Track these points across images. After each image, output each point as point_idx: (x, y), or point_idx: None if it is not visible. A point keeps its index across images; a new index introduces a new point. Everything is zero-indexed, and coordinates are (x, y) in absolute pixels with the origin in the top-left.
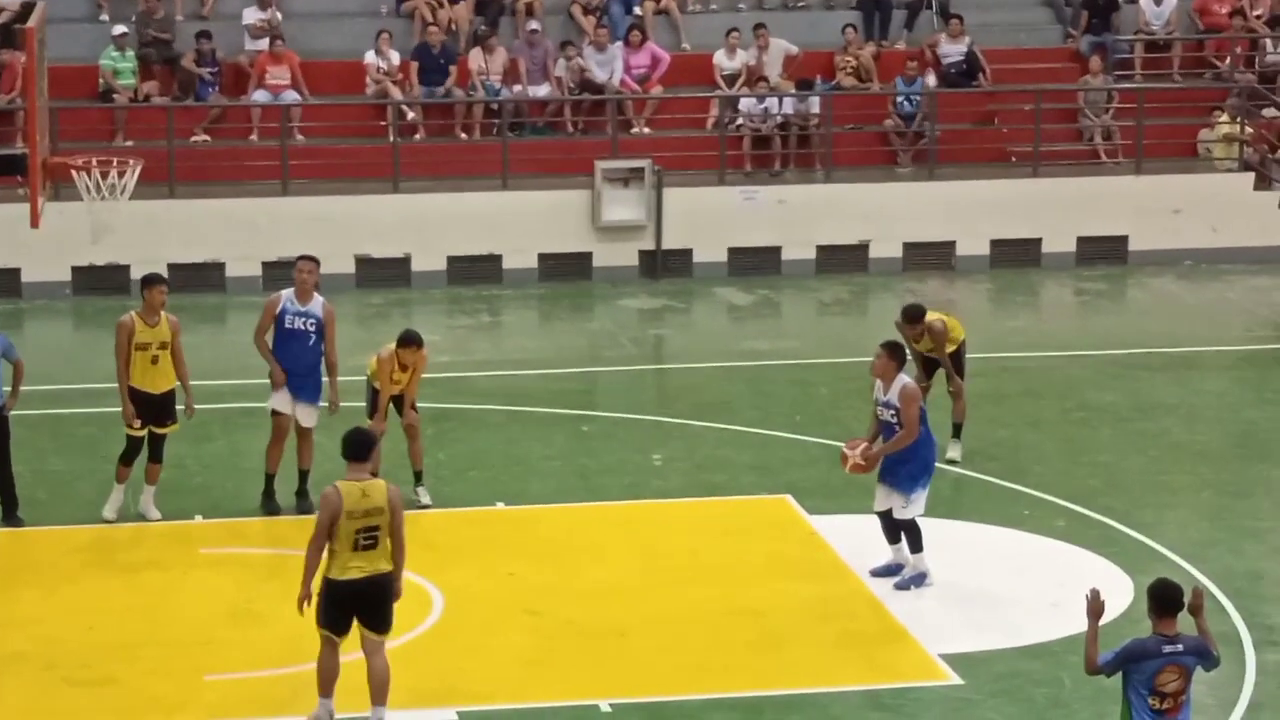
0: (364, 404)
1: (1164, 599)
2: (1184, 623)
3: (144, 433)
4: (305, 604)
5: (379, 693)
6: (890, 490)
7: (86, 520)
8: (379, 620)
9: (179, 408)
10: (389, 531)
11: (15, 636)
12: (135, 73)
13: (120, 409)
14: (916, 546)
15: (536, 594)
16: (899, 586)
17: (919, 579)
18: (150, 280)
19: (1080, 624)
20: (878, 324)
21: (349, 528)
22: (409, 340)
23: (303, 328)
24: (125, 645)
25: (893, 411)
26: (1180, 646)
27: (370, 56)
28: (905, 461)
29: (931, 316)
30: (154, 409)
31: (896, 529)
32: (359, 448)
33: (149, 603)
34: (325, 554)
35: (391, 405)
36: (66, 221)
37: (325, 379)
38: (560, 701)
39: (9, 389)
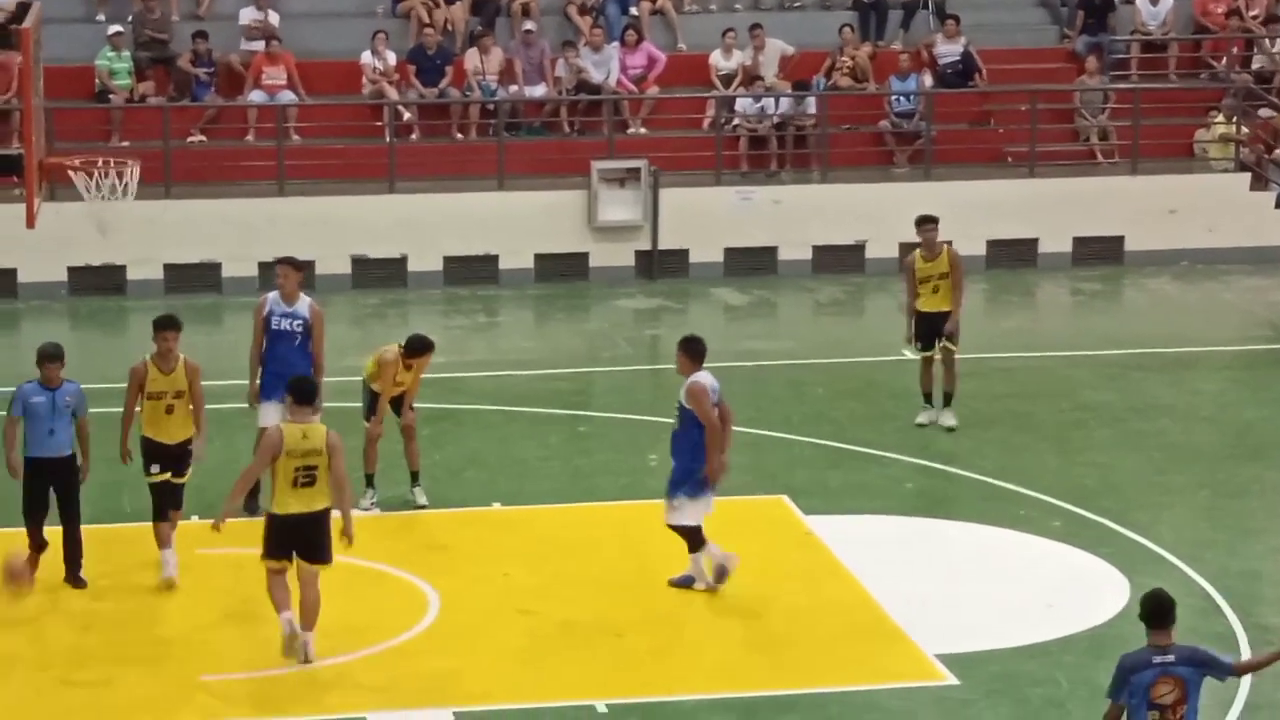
0: (358, 405)
1: (1156, 610)
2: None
3: (163, 478)
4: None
5: (308, 618)
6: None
7: (81, 520)
8: (315, 552)
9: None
10: (327, 472)
11: (9, 637)
12: (131, 73)
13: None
14: (693, 547)
15: (532, 594)
16: (672, 583)
17: (686, 580)
18: (156, 325)
19: (1076, 624)
20: (874, 324)
21: (288, 465)
22: (421, 349)
23: (289, 328)
24: (120, 645)
25: (678, 407)
26: (1171, 656)
27: (366, 57)
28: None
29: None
30: (170, 459)
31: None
32: (304, 393)
33: (144, 603)
34: (272, 490)
35: (389, 404)
36: (63, 221)
37: None
38: (556, 701)
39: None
